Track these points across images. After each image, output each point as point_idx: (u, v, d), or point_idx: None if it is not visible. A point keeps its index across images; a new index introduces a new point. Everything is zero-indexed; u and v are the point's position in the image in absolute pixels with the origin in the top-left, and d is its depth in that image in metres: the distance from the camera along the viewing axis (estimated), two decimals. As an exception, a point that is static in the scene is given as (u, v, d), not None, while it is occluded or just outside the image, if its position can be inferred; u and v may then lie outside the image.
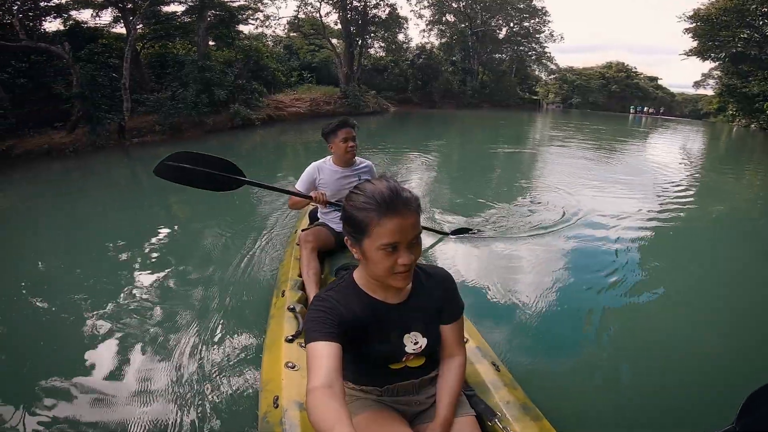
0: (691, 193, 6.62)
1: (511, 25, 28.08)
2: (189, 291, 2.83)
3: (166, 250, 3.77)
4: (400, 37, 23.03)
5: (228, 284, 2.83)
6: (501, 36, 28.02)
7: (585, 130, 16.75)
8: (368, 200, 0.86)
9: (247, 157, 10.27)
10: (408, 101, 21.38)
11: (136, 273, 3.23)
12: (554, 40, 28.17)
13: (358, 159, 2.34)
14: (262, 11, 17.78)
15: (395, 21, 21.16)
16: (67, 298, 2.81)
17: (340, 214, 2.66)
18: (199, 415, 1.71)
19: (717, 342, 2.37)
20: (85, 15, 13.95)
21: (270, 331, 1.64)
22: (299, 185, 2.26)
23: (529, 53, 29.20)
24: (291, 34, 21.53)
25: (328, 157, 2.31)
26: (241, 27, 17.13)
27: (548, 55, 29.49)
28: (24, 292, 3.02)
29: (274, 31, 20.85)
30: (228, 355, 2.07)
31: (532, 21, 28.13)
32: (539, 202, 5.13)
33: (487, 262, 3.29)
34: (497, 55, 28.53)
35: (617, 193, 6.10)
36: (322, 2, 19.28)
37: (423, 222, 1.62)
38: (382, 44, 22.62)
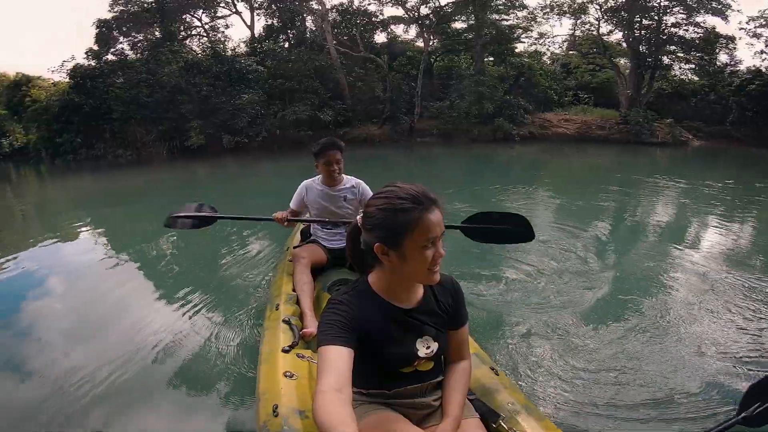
0: None
1: None
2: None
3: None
4: (722, 58, 17.40)
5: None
6: None
7: None
8: (404, 200, 0.90)
9: (499, 171, 9.98)
10: (724, 135, 15.77)
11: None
12: None
13: (345, 178, 2.36)
14: (531, 30, 17.33)
15: (711, 41, 16.11)
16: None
17: (333, 231, 2.32)
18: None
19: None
20: (399, 30, 17.27)
21: (265, 343, 1.64)
22: (292, 203, 2.38)
23: None
24: (569, 53, 20.07)
25: (319, 176, 2.34)
26: (517, 44, 17.38)
27: None
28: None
29: (548, 49, 20.02)
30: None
31: None
32: None
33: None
34: None
35: None
36: (602, 21, 16.82)
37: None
38: (691, 66, 17.74)
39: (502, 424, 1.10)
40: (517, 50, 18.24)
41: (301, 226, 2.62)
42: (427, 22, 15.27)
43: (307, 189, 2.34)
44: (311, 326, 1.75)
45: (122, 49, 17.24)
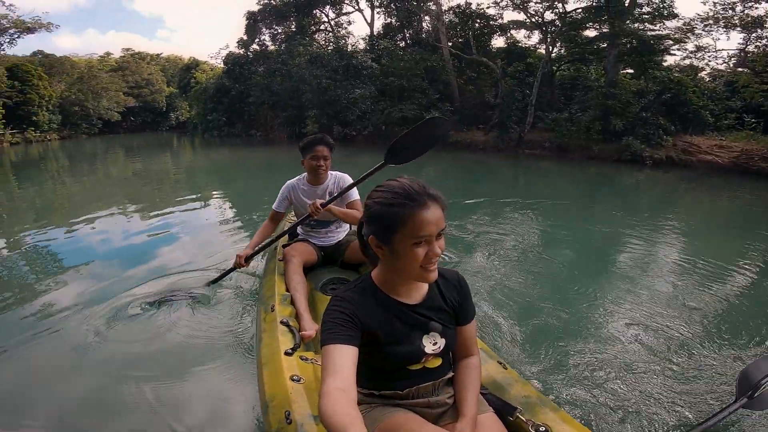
0: None
1: None
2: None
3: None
4: None
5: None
6: None
7: None
8: (397, 195, 0.89)
9: (620, 194, 8.62)
10: None
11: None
12: None
13: (330, 174, 2.29)
14: (685, 42, 14.37)
15: None
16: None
17: (322, 230, 2.33)
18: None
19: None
20: (520, 35, 16.28)
21: (264, 346, 1.56)
22: (276, 205, 2.31)
23: None
24: (737, 70, 16.41)
25: (303, 174, 2.29)
26: (665, 57, 14.76)
27: None
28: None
29: (707, 64, 16.61)
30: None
31: None
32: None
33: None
34: None
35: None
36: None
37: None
38: None
39: (520, 416, 1.08)
40: (665, 63, 15.63)
41: (287, 225, 2.48)
42: (552, 28, 14.02)
43: (292, 189, 2.28)
44: (309, 328, 1.72)
45: (264, 40, 19.94)
